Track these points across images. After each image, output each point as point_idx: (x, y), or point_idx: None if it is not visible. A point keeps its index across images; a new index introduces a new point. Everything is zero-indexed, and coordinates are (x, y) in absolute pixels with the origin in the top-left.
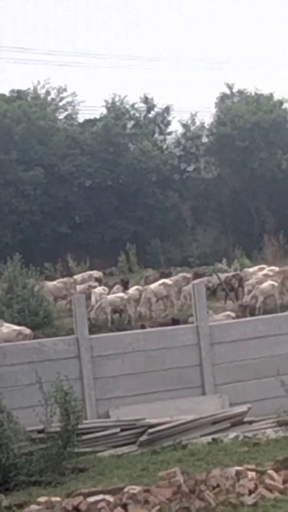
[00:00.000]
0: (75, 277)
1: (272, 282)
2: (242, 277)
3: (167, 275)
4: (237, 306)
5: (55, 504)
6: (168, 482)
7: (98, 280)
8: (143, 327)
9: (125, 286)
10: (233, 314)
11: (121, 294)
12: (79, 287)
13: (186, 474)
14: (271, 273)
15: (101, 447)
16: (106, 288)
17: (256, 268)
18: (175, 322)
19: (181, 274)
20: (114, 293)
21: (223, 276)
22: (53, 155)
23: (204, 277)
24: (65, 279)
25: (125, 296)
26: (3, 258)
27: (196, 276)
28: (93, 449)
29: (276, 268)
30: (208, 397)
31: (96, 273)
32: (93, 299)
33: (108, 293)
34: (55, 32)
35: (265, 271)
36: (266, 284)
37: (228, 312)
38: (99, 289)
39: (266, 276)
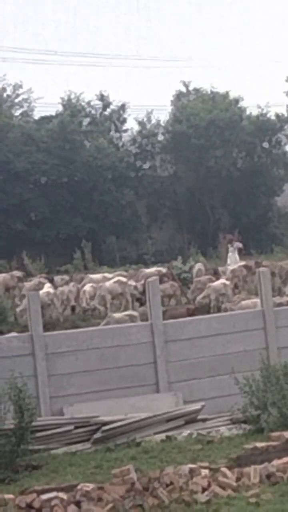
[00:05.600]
0: None
1: (223, 281)
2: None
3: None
4: None
5: (8, 501)
6: (121, 480)
7: (20, 279)
8: None
9: (51, 283)
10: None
11: (47, 290)
12: (28, 284)
13: (139, 471)
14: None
15: (55, 444)
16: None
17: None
18: None
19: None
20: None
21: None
22: (9, 151)
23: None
24: None
25: (52, 291)
26: None
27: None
28: (47, 446)
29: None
30: (162, 394)
31: (17, 273)
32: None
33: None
34: (11, 28)
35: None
36: (218, 283)
37: None
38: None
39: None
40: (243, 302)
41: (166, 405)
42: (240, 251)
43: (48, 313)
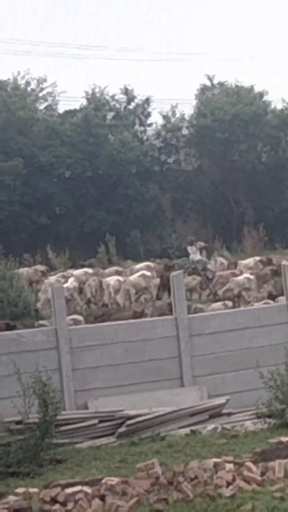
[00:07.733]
0: (20, 270)
1: (247, 275)
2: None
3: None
4: None
5: (32, 495)
6: (146, 474)
7: (43, 273)
8: None
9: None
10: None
11: (67, 284)
12: (51, 278)
13: (164, 465)
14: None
15: (79, 438)
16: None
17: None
18: (10, 327)
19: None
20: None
21: None
22: (33, 145)
23: None
24: None
25: (71, 286)
26: None
27: (166, 268)
28: (71, 440)
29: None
30: (187, 389)
31: (40, 267)
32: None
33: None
34: (35, 22)
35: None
36: (241, 277)
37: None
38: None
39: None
40: (214, 304)
41: (191, 399)
42: (202, 249)
43: (72, 306)
